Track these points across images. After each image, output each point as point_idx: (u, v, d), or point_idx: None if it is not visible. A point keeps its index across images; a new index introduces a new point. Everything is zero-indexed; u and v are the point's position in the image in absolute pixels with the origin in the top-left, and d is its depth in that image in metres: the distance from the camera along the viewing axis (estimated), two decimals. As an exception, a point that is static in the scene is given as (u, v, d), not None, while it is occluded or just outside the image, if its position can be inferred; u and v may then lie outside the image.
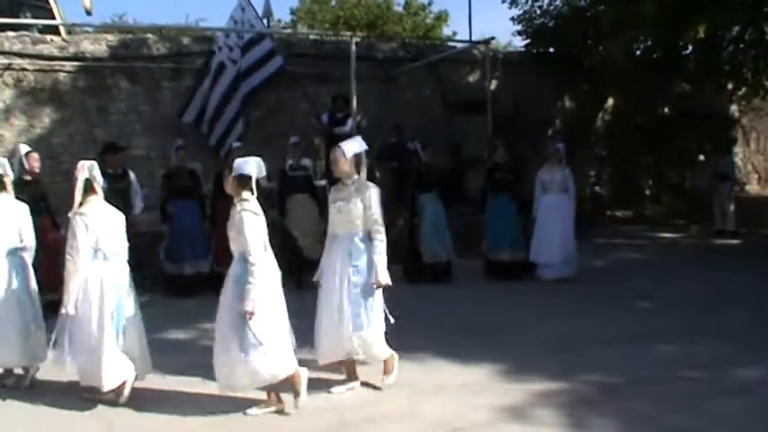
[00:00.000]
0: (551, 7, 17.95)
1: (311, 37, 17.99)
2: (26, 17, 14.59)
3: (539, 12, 18.00)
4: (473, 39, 18.05)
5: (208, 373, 6.72)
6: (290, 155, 11.80)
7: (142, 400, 6.35)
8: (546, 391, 6.42)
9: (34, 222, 7.50)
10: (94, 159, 8.85)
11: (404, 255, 11.78)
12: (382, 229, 6.63)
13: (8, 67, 13.47)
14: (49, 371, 6.80)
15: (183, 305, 10.43)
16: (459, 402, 6.19)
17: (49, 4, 15.35)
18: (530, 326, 8.71)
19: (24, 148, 10.13)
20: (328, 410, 6.05)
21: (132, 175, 11.02)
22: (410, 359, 7.36)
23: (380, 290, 6.65)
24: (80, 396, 6.37)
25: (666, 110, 19.94)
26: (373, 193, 6.66)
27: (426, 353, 7.58)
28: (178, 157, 11.28)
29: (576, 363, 7.12)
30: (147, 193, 11.45)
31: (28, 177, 9.72)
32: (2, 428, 6.02)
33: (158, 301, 10.57)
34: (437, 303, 10.22)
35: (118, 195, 10.52)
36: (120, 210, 10.11)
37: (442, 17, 32.53)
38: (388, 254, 6.71)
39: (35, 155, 10.01)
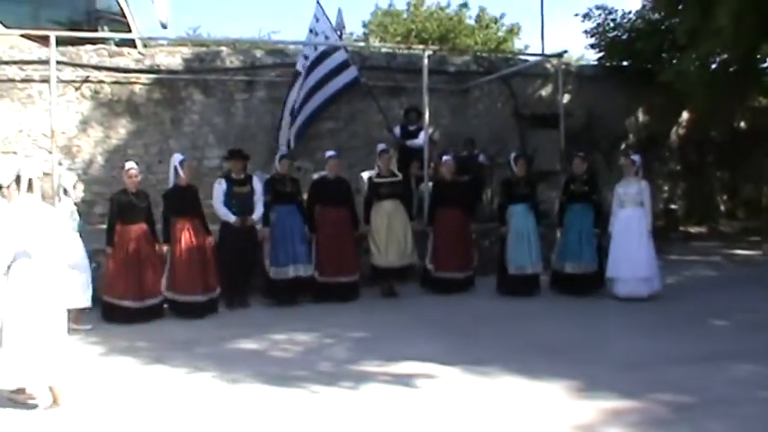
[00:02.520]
0: (625, 20, 17.81)
1: (383, 50, 18.08)
2: (103, 31, 14.93)
3: (612, 25, 17.87)
4: (545, 52, 17.99)
5: (274, 381, 6.88)
6: (378, 162, 11.90)
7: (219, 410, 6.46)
8: (618, 409, 6.32)
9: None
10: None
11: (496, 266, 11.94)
12: None
13: (86, 80, 13.86)
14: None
15: (257, 314, 10.59)
16: (530, 419, 6.13)
17: (125, 18, 15.72)
18: (603, 343, 8.60)
19: (127, 166, 10.55)
20: (396, 423, 6.04)
21: (256, 180, 11.16)
22: (481, 373, 7.34)
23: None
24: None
25: (742, 124, 19.61)
26: None
27: (497, 367, 7.52)
28: (282, 167, 11.42)
29: (648, 381, 7.00)
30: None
31: (133, 190, 10.36)
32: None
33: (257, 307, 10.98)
34: (510, 317, 10.18)
35: (240, 198, 10.80)
36: (242, 212, 10.51)
37: (513, 30, 32.51)
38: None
39: (134, 172, 10.46)
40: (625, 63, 17.65)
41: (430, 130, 13.76)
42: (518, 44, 32.64)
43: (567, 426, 5.92)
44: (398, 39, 30.12)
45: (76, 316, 9.71)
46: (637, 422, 6.00)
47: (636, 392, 6.65)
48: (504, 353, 8.10)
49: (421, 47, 15.49)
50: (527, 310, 10.65)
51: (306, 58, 14.00)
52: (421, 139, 13.62)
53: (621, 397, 6.58)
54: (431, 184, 12.79)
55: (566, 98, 15.58)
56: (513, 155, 12.28)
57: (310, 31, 14.16)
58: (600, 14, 17.91)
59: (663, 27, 16.52)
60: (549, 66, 16.71)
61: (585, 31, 18.17)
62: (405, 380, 7.18)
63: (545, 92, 17.06)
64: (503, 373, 7.36)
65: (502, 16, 32.76)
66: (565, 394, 6.75)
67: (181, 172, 10.68)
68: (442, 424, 6.03)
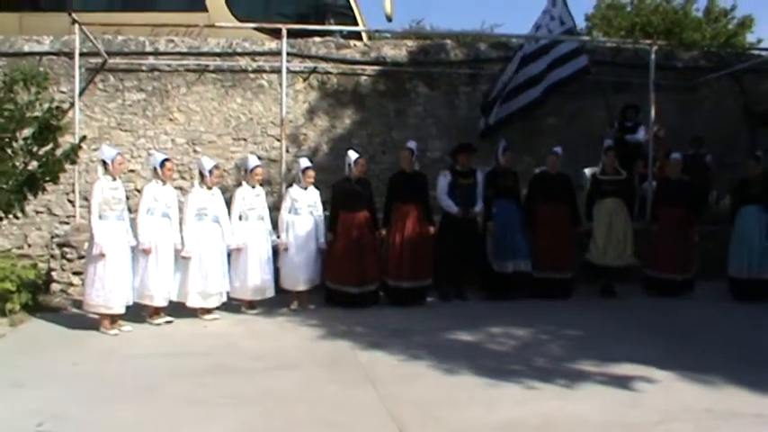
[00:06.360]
0: None
1: (608, 44, 17.71)
2: (331, 24, 15.42)
3: None
4: (781, 46, 17.12)
5: (490, 374, 6.96)
6: (604, 158, 11.83)
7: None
8: None
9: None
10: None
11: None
12: None
13: (314, 71, 14.38)
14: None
15: (471, 306, 10.72)
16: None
17: (352, 11, 16.13)
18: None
19: (353, 155, 10.99)
20: (615, 424, 5.96)
21: (480, 175, 11.32)
22: (700, 381, 7.14)
23: None
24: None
25: None
26: None
27: (717, 375, 7.27)
28: (505, 159, 11.52)
29: None
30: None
31: (356, 178, 10.82)
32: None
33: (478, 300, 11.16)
34: (732, 323, 9.90)
35: (463, 190, 10.97)
36: (464, 204, 10.93)
37: (745, 23, 31.01)
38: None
39: (362, 160, 10.98)
40: None
41: (655, 128, 13.43)
42: (750, 38, 31.21)
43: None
44: (622, 33, 29.43)
45: (305, 296, 10.36)
46: None
47: None
48: (725, 361, 7.83)
49: (647, 41, 15.09)
50: (751, 317, 10.28)
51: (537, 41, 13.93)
52: (639, 133, 13.38)
53: None
54: (654, 182, 12.50)
55: (802, 96, 14.83)
56: (711, 156, 11.95)
57: (544, 12, 13.98)
58: None
59: None
60: (784, 61, 15.95)
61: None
62: (622, 381, 7.08)
63: (779, 89, 16.26)
64: (723, 382, 7.11)
65: (732, 8, 31.33)
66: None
67: (412, 158, 10.95)
68: (659, 428, 5.91)
